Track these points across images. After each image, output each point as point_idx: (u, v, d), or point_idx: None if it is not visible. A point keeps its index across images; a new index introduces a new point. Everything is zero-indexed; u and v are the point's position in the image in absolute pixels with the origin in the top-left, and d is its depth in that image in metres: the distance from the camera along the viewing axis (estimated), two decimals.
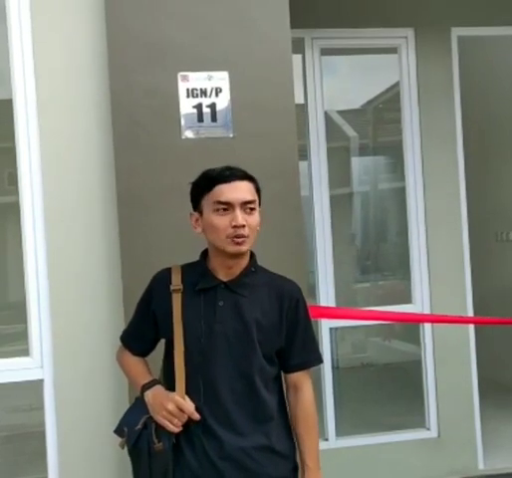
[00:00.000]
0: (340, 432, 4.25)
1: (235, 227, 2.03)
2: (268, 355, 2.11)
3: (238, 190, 2.06)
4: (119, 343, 2.31)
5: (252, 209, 2.08)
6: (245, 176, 2.11)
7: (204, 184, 2.10)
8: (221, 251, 2.08)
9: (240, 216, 2.04)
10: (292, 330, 2.15)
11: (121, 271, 2.87)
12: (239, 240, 2.04)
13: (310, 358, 2.21)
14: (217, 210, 2.06)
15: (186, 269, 2.17)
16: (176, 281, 2.13)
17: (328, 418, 4.22)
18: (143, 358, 2.25)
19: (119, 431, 2.15)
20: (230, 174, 2.08)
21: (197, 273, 2.14)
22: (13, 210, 3.02)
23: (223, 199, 2.05)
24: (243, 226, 2.04)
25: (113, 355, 2.38)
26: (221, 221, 2.05)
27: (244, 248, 2.06)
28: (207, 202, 2.09)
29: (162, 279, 2.17)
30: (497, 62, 6.16)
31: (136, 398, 2.17)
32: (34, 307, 2.92)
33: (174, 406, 2.02)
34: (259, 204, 2.14)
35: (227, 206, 2.05)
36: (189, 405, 2.03)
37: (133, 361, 2.24)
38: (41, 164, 2.93)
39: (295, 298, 2.16)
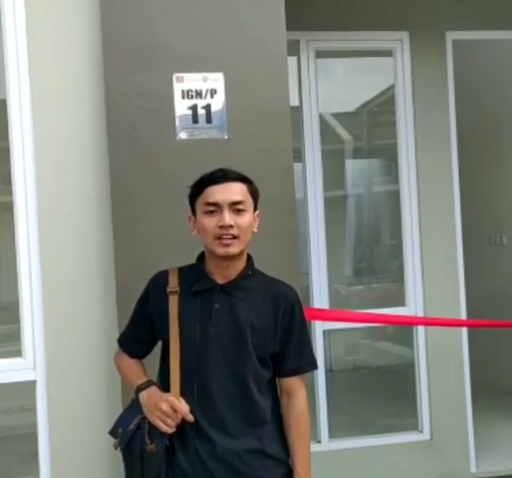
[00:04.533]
0: (332, 435, 4.24)
1: (222, 227, 2.03)
2: (262, 358, 2.11)
3: (227, 191, 2.06)
4: (113, 345, 2.30)
5: (241, 210, 2.07)
6: (238, 178, 2.10)
7: (197, 187, 2.11)
8: (214, 253, 2.08)
9: (228, 216, 2.04)
10: (287, 334, 2.14)
11: (114, 272, 2.86)
12: (227, 241, 2.03)
13: (304, 363, 2.19)
14: (206, 212, 2.07)
15: (184, 272, 2.17)
16: (173, 283, 2.13)
17: (321, 420, 4.22)
18: (140, 361, 2.25)
19: (113, 432, 2.15)
20: (221, 176, 2.08)
21: (194, 276, 2.14)
22: (7, 210, 3.01)
23: (211, 200, 2.06)
24: (231, 226, 2.03)
25: (106, 356, 2.38)
26: (209, 222, 2.05)
27: (233, 250, 2.05)
28: (199, 204, 2.10)
29: (159, 281, 2.17)
30: (492, 66, 6.18)
31: (132, 400, 2.17)
32: (27, 308, 2.91)
33: (168, 406, 2.02)
34: (255, 207, 2.14)
35: (216, 207, 2.05)
36: (183, 406, 2.03)
37: (130, 364, 2.24)
38: (35, 165, 2.92)
39: (291, 302, 2.16)
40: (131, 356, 2.24)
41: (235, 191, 2.07)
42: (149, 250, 2.82)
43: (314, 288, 4.29)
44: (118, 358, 2.29)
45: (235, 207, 2.06)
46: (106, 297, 2.91)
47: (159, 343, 2.20)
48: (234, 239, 2.04)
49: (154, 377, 2.19)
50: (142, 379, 2.15)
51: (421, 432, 4.34)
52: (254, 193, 2.14)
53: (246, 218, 2.07)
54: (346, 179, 6.58)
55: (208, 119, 2.89)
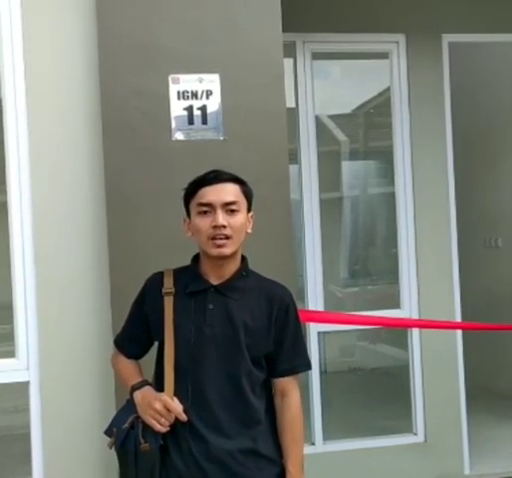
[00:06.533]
0: (327, 437, 4.24)
1: (215, 227, 2.04)
2: (256, 359, 2.12)
3: (220, 192, 2.07)
4: (107, 345, 2.30)
5: (234, 211, 2.08)
6: (230, 179, 2.12)
7: (191, 189, 2.13)
8: (208, 254, 2.08)
9: (221, 217, 2.05)
10: (281, 335, 2.15)
11: (109, 273, 2.86)
12: (220, 242, 2.05)
13: (298, 363, 2.21)
14: (200, 212, 2.08)
15: (179, 273, 2.18)
16: (168, 284, 2.14)
17: (315, 422, 4.22)
18: (136, 361, 2.26)
19: (108, 432, 2.16)
20: (214, 177, 2.10)
21: (189, 277, 2.15)
22: (1, 210, 3.00)
23: (204, 201, 2.07)
24: (224, 227, 2.04)
25: (100, 356, 2.37)
26: (203, 222, 2.07)
27: (226, 250, 2.06)
28: (193, 206, 2.11)
29: (155, 282, 2.18)
30: (488, 68, 6.19)
31: (127, 400, 2.18)
32: (21, 308, 2.90)
33: (162, 406, 2.03)
34: (249, 207, 2.14)
35: (209, 208, 2.07)
36: (177, 405, 2.04)
37: (126, 364, 2.25)
38: (30, 165, 2.91)
39: (285, 303, 2.17)
40: (128, 356, 2.25)
41: (228, 192, 2.08)
42: (144, 251, 2.82)
43: (309, 289, 4.29)
44: (114, 359, 2.30)
45: (228, 208, 2.07)
46: (100, 298, 2.90)
47: (155, 343, 2.20)
48: (227, 239, 2.05)
49: (150, 378, 2.19)
50: (137, 379, 2.16)
51: (416, 434, 4.35)
52: (248, 194, 2.14)
53: (239, 219, 2.09)
54: (341, 181, 6.58)
55: (204, 121, 2.89)
